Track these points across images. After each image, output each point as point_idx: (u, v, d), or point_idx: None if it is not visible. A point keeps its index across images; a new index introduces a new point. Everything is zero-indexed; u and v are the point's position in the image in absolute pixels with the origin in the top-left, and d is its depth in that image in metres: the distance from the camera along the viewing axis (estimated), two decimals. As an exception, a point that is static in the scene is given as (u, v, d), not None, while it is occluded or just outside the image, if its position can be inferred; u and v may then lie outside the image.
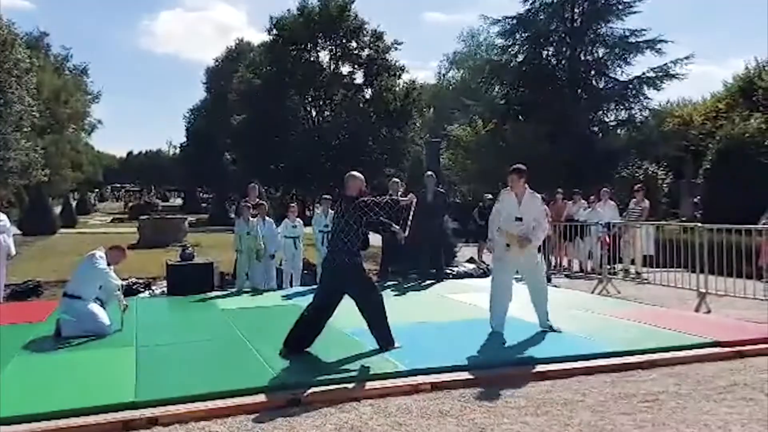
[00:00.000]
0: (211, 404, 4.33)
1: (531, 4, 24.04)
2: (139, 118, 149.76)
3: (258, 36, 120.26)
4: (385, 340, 5.70)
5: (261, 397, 4.48)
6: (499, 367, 5.18)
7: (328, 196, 11.21)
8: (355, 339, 6.11)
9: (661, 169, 20.89)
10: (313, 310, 5.76)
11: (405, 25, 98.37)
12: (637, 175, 20.04)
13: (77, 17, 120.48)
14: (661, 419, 4.14)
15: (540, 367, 5.20)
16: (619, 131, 24.75)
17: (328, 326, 5.98)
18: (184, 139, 62.99)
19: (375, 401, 4.52)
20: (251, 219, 9.84)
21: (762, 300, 7.84)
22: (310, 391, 4.58)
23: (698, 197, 12.78)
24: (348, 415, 4.28)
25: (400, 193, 10.36)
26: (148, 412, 4.13)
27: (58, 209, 30.37)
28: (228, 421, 4.18)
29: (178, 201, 68.92)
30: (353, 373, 4.96)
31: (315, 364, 5.26)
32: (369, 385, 4.74)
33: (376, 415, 4.26)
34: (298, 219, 10.71)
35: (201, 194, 62.14)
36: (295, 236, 10.45)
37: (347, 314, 6.74)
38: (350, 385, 4.72)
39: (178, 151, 69.52)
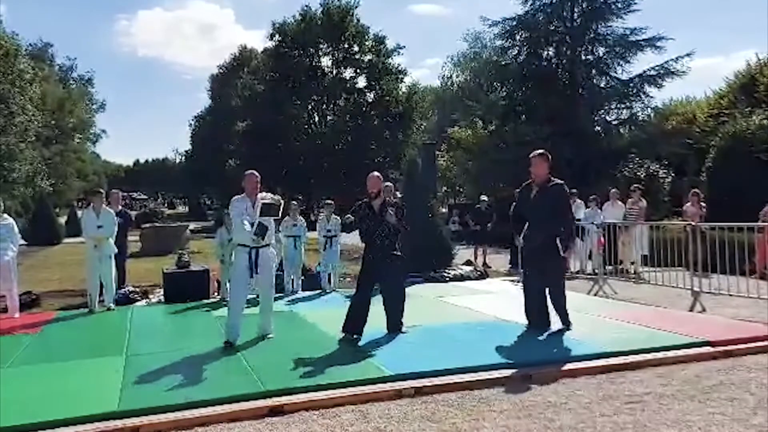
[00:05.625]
0: (195, 412, 4.33)
1: (530, 5, 24.05)
2: (141, 127, 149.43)
3: (247, 33, 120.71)
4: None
5: (244, 405, 4.48)
6: (485, 370, 5.14)
7: (330, 201, 11.19)
8: (341, 344, 6.19)
9: (663, 168, 20.78)
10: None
11: (391, 17, 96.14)
12: (639, 174, 19.95)
13: (49, 16, 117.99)
14: (643, 420, 4.12)
15: (526, 370, 5.17)
16: (621, 130, 24.65)
17: (315, 330, 6.17)
18: (190, 147, 63.38)
19: (358, 407, 4.51)
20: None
21: (758, 298, 7.78)
22: (292, 398, 4.58)
23: (696, 190, 12.70)
24: (330, 421, 4.28)
25: (393, 196, 10.34)
26: (129, 422, 4.15)
27: (64, 219, 30.50)
28: (209, 429, 4.19)
29: (185, 208, 69.15)
30: (337, 379, 4.94)
31: (300, 370, 5.25)
32: (352, 390, 4.73)
33: (358, 421, 4.26)
34: (300, 218, 10.55)
35: (204, 201, 62.34)
36: (295, 235, 10.22)
37: (335, 319, 6.81)
38: (333, 391, 4.71)
39: (183, 159, 69.93)
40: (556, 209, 6.57)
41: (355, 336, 6.46)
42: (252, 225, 6.37)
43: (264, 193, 6.71)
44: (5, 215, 8.86)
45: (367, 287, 6.70)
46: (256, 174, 6.66)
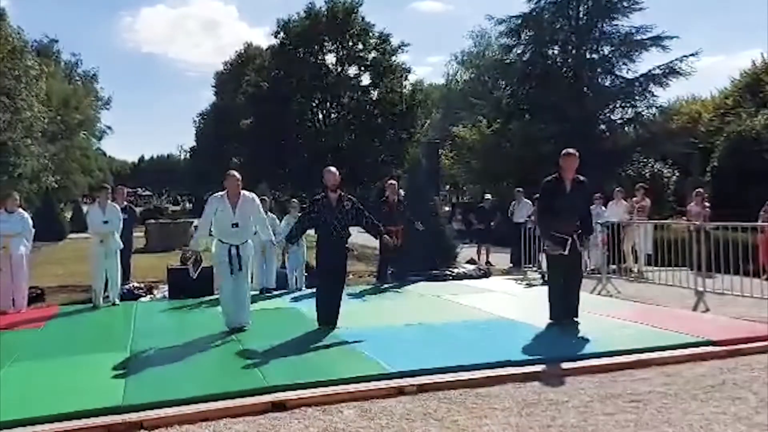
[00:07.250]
0: (196, 408, 4.36)
1: (536, 3, 23.96)
2: (146, 124, 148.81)
3: (251, 30, 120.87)
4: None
5: (247, 401, 4.49)
6: (487, 368, 5.15)
7: None
8: (344, 341, 6.21)
9: (668, 167, 20.74)
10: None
11: (395, 15, 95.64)
12: (643, 173, 19.91)
13: (53, 12, 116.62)
14: (644, 420, 4.13)
15: (528, 368, 5.18)
16: (625, 129, 24.57)
17: (318, 326, 6.70)
18: (194, 144, 63.51)
19: (360, 404, 4.52)
20: None
21: (761, 298, 7.76)
22: (295, 394, 4.60)
23: (699, 189, 12.68)
24: (332, 417, 4.29)
25: (397, 195, 10.42)
26: (133, 417, 4.17)
27: (68, 214, 30.55)
28: (213, 424, 4.20)
29: (190, 205, 69.15)
30: (339, 375, 4.96)
31: (302, 367, 5.28)
32: (354, 387, 4.74)
33: (360, 418, 4.27)
34: (300, 215, 10.55)
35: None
36: None
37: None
38: (335, 388, 4.73)
39: (188, 155, 70.03)
40: (587, 205, 7.05)
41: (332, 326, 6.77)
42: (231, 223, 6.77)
43: (249, 193, 6.99)
44: (20, 209, 8.92)
45: (336, 281, 6.98)
46: (238, 176, 6.93)
